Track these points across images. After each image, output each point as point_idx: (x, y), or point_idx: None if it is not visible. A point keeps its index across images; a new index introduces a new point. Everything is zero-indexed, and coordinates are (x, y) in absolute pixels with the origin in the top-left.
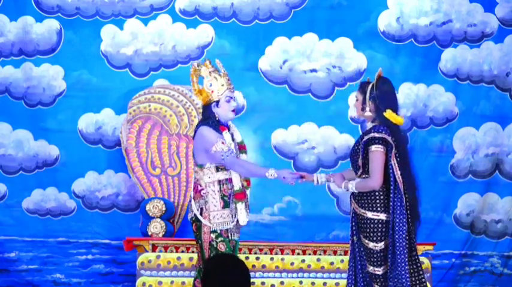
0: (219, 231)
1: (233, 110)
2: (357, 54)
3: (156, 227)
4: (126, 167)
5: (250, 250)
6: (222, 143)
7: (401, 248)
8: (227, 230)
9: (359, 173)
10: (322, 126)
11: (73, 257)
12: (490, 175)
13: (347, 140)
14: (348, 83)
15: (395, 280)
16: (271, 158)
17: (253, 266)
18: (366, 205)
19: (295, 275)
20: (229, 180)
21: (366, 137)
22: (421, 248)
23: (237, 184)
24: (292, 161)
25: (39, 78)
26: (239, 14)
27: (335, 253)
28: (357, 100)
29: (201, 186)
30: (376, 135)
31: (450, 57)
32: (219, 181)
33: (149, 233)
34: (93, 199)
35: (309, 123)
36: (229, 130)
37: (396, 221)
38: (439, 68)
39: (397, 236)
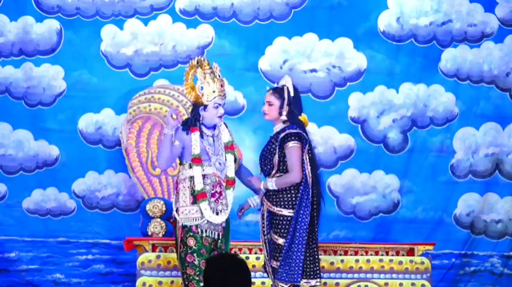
0: (189, 226)
1: (220, 116)
2: (357, 54)
3: (156, 227)
4: (126, 167)
5: (250, 250)
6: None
7: (300, 240)
8: (197, 226)
9: (273, 173)
10: (322, 126)
11: (73, 257)
12: (490, 175)
13: (347, 140)
14: (348, 83)
15: (287, 270)
16: None
17: (254, 266)
18: (279, 202)
19: None
20: (202, 177)
21: (281, 135)
22: (421, 248)
23: (198, 184)
24: None
25: (39, 78)
26: (239, 14)
27: (335, 253)
28: (271, 105)
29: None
30: (292, 131)
31: (450, 57)
32: (191, 177)
33: (149, 233)
34: (93, 199)
35: (309, 124)
36: (214, 130)
37: (300, 213)
38: (439, 68)
39: (298, 228)
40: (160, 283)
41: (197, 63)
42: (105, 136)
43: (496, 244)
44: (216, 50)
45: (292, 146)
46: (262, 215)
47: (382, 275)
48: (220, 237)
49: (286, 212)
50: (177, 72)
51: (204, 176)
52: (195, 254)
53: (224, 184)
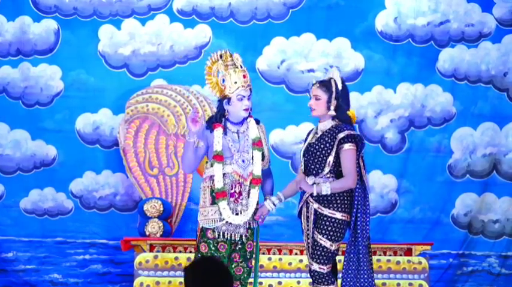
0: (204, 230)
1: (246, 109)
2: (354, 54)
3: (154, 227)
4: (124, 167)
5: None
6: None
7: (366, 249)
8: (214, 230)
9: (324, 173)
10: None
11: (70, 257)
12: (488, 175)
13: None
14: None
15: (354, 282)
16: None
17: None
18: (331, 204)
19: (292, 275)
20: (223, 176)
21: (340, 135)
22: (418, 248)
23: (217, 183)
24: (289, 161)
25: (37, 79)
26: (237, 14)
27: None
28: (318, 99)
29: None
30: (352, 133)
31: (448, 58)
32: (211, 177)
33: (147, 233)
34: (91, 199)
35: (307, 123)
36: (241, 125)
37: (360, 220)
38: (436, 68)
39: (360, 236)
40: (157, 283)
41: (220, 57)
42: (103, 136)
43: (493, 244)
44: (214, 50)
45: (349, 148)
46: (308, 216)
47: (379, 275)
48: (243, 238)
49: (339, 215)
50: (175, 72)
51: (223, 175)
52: None
53: (246, 183)
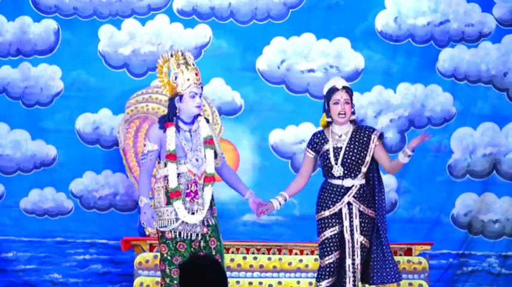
0: (162, 231)
1: (198, 106)
2: (354, 54)
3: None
4: (124, 167)
5: (247, 250)
6: (144, 145)
7: (387, 241)
8: (171, 230)
9: (362, 173)
10: (319, 127)
11: (70, 257)
12: (488, 175)
13: None
14: None
15: (384, 270)
16: (268, 158)
17: (251, 266)
18: (370, 203)
19: (292, 275)
20: (176, 175)
21: (374, 135)
22: (418, 248)
23: (172, 182)
24: (289, 161)
25: (37, 78)
26: (237, 14)
27: None
28: (348, 103)
29: None
30: (382, 131)
31: (448, 57)
32: (165, 177)
33: (147, 233)
34: (91, 199)
35: (307, 123)
36: (192, 125)
37: (383, 214)
38: (436, 68)
39: (384, 229)
40: (157, 283)
41: (171, 56)
42: (103, 136)
43: (493, 244)
44: (214, 50)
45: (380, 143)
46: (351, 218)
47: None
48: (200, 236)
49: (373, 214)
50: None
51: (178, 175)
52: (166, 263)
53: (201, 182)
